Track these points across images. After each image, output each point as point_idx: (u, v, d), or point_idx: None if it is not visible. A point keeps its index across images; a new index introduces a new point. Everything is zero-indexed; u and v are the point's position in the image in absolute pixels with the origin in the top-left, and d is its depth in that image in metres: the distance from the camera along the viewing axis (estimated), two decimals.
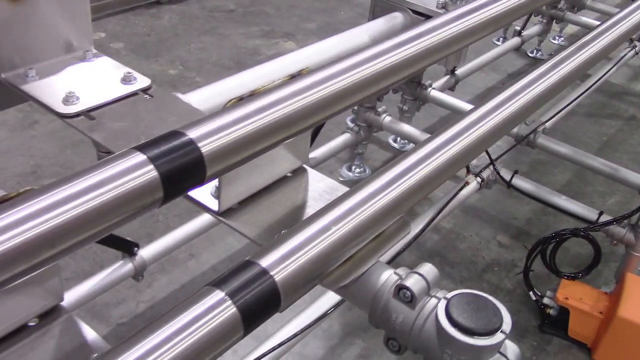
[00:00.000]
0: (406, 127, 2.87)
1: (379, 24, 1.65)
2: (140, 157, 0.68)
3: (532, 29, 4.11)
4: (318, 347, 2.31)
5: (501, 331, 0.78)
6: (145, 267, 2.16)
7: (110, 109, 1.10)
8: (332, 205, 0.83)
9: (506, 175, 2.62)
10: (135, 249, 2.15)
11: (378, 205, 0.86)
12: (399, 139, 3.39)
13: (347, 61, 0.92)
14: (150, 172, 0.68)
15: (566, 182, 3.23)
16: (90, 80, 1.16)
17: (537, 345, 2.40)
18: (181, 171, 0.71)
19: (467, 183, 2.53)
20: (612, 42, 1.67)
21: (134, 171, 0.67)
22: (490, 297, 0.83)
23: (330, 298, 2.04)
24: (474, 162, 2.61)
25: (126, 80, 1.16)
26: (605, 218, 2.43)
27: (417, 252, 2.71)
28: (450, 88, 3.33)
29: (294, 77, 0.88)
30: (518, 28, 4.00)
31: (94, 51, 1.25)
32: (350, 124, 2.95)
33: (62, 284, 0.77)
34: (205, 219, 2.37)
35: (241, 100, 0.82)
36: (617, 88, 4.14)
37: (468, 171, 2.57)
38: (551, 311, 2.42)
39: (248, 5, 4.84)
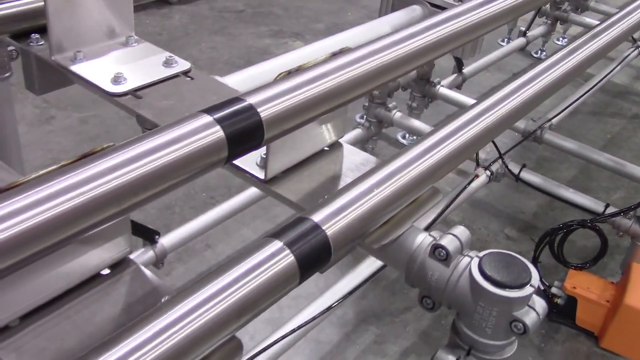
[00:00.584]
0: (416, 123, 2.94)
1: (399, 16, 1.73)
2: (208, 118, 0.75)
3: (537, 30, 4.19)
4: (333, 333, 2.38)
5: (530, 285, 0.85)
6: (165, 254, 2.22)
7: (155, 89, 1.18)
8: (372, 171, 0.91)
9: (514, 169, 2.69)
10: (157, 236, 2.21)
11: (413, 173, 0.94)
12: (407, 135, 3.46)
13: (383, 41, 1.00)
14: (217, 133, 0.75)
15: (571, 178, 3.30)
16: (135, 63, 1.23)
17: (545, 334, 2.46)
18: (243, 133, 0.78)
19: (477, 176, 2.61)
20: (613, 40, 1.74)
21: (203, 131, 0.74)
22: (519, 256, 0.90)
23: (343, 286, 2.11)
24: (483, 156, 2.69)
25: (168, 63, 1.24)
26: (611, 210, 2.50)
27: None
28: (457, 86, 3.40)
29: (335, 54, 0.95)
30: (523, 29, 4.08)
31: (136, 37, 1.32)
32: (360, 120, 3.02)
33: (131, 238, 0.84)
34: (220, 210, 2.43)
35: (290, 73, 0.89)
36: (621, 88, 4.22)
37: (478, 164, 2.64)
38: (559, 300, 2.48)
39: (257, 6, 4.92)
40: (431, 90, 3.06)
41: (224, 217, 2.46)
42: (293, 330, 1.84)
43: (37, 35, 1.28)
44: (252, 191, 2.42)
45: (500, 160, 2.64)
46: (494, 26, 1.48)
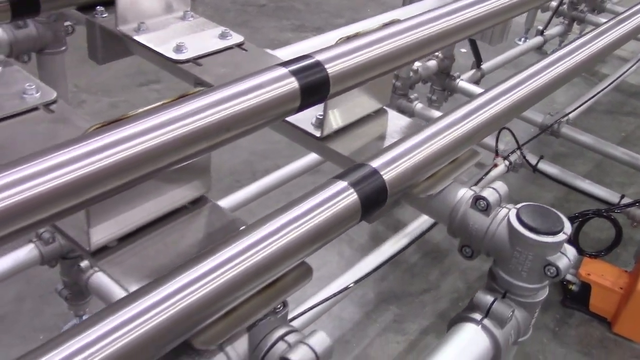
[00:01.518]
0: (437, 114, 3.02)
1: (431, 3, 1.82)
2: (284, 70, 0.85)
3: (554, 30, 4.27)
4: (354, 311, 2.47)
5: (563, 232, 0.94)
6: None
7: (213, 58, 1.27)
8: (420, 129, 1.00)
9: (532, 160, 2.78)
10: None
11: (456, 133, 1.03)
12: None
13: (431, 13, 1.09)
14: (292, 83, 0.84)
15: (587, 173, 3.38)
16: (193, 35, 1.33)
17: (559, 318, 2.54)
18: (313, 86, 0.87)
19: (495, 165, 2.70)
20: (623, 35, 1.81)
21: (281, 80, 0.84)
22: (553, 209, 0.99)
23: (365, 265, 2.19)
24: (502, 147, 2.78)
25: (223, 36, 1.33)
26: (626, 201, 2.58)
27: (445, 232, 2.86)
28: (476, 81, 3.49)
29: (386, 25, 1.05)
30: (540, 28, 4.16)
31: (192, 12, 1.42)
32: None
33: (210, 179, 0.93)
34: (246, 192, 2.53)
35: (349, 39, 0.99)
36: (636, 88, 4.29)
37: (497, 154, 2.73)
38: (573, 287, 2.56)
39: (278, 0, 5.03)
40: (451, 83, 3.15)
41: (249, 200, 2.55)
42: (316, 305, 1.93)
43: (102, 8, 1.38)
44: (275, 176, 2.53)
45: (518, 151, 2.73)
46: (516, 12, 1.55)
